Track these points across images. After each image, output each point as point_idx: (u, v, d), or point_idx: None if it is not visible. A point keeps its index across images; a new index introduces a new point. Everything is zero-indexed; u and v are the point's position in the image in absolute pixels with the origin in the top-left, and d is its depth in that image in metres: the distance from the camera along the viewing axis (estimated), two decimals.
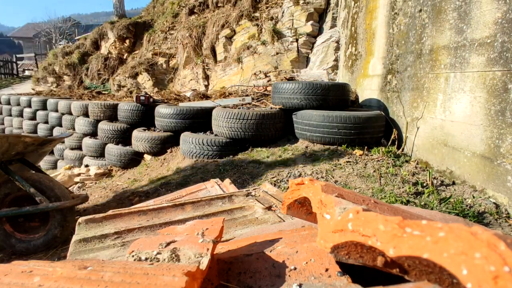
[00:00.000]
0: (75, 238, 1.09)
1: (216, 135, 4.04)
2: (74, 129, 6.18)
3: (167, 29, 9.29)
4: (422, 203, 2.41)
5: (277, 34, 6.35)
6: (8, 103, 8.97)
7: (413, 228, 0.48)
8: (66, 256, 1.10)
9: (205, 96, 5.92)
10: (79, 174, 5.03)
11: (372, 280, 0.64)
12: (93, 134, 5.70)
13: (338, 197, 0.68)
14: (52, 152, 6.64)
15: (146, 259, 0.65)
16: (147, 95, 5.23)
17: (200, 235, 0.73)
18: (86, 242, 1.08)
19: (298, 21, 6.19)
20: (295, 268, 0.66)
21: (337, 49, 5.67)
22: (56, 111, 7.01)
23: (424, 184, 2.71)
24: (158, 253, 0.66)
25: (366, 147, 3.47)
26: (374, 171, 2.94)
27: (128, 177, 4.47)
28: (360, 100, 4.54)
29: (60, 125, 6.88)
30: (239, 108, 4.21)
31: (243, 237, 0.96)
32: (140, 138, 4.61)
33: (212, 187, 1.90)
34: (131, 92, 8.90)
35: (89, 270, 0.56)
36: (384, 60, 3.86)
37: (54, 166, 6.61)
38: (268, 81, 6.23)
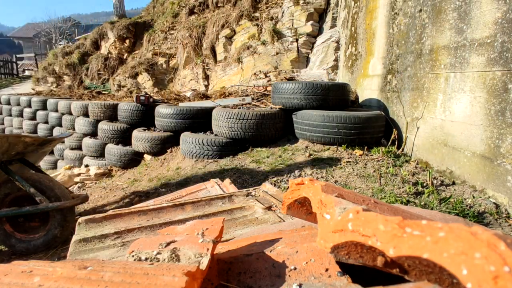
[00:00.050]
0: (75, 238, 1.09)
1: (216, 135, 4.04)
2: (74, 129, 6.18)
3: (167, 29, 9.29)
4: (422, 203, 2.41)
5: (277, 34, 6.35)
6: (8, 103, 8.97)
7: (413, 228, 0.48)
8: (66, 256, 1.10)
9: (205, 96, 5.92)
10: (79, 174, 5.03)
11: (372, 280, 0.64)
12: (93, 134, 5.70)
13: (338, 197, 0.68)
14: (52, 152, 6.64)
15: (146, 259, 0.65)
16: (147, 95, 5.23)
17: (200, 235, 0.73)
18: (86, 242, 1.08)
19: (298, 21, 6.19)
20: (295, 268, 0.66)
21: (337, 49, 5.67)
22: (56, 111, 7.02)
23: (424, 184, 2.71)
24: (158, 253, 0.66)
25: (366, 147, 3.47)
26: (374, 171, 2.94)
27: (128, 177, 4.47)
28: (360, 100, 4.54)
29: (60, 125, 6.88)
30: (239, 108, 4.21)
31: (243, 237, 0.96)
32: (140, 138, 4.61)
33: (212, 187, 1.90)
34: (131, 92, 8.90)
35: (89, 270, 0.56)
36: (384, 60, 3.86)
37: (54, 166, 6.61)
38: (268, 81, 6.23)
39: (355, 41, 4.78)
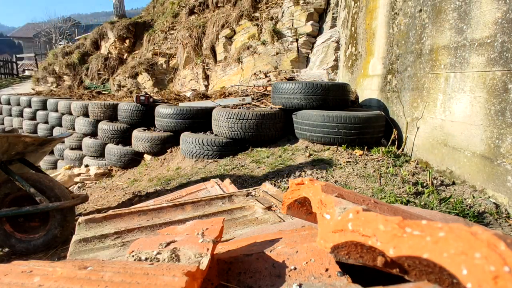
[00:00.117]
0: (75, 238, 1.09)
1: (216, 135, 4.04)
2: (74, 129, 6.18)
3: (167, 29, 9.29)
4: (422, 203, 2.41)
5: (277, 34, 6.35)
6: (8, 103, 8.97)
7: (413, 228, 0.48)
8: (66, 256, 1.10)
9: (205, 96, 5.92)
10: (79, 174, 5.03)
11: (372, 280, 0.64)
12: (93, 134, 5.70)
13: (338, 197, 0.68)
14: (52, 152, 6.64)
15: (146, 259, 0.65)
16: (147, 95, 5.23)
17: (200, 235, 0.73)
18: (86, 242, 1.08)
19: (298, 21, 6.19)
20: (295, 268, 0.66)
21: (337, 49, 5.68)
22: (56, 111, 7.02)
23: (424, 184, 2.71)
24: (158, 253, 0.66)
25: (366, 147, 3.47)
26: (374, 171, 2.94)
27: (128, 177, 4.47)
28: (360, 100, 4.54)
29: (60, 125, 6.88)
30: (239, 108, 4.21)
31: (243, 237, 0.96)
32: (140, 138, 4.61)
33: (212, 187, 1.90)
34: (131, 92, 8.90)
35: (89, 270, 0.56)
36: (384, 60, 3.86)
37: (54, 166, 6.62)
38: (268, 81, 6.23)
39: (355, 41, 4.78)
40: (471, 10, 2.51)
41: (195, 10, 8.78)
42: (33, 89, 12.31)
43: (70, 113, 6.44)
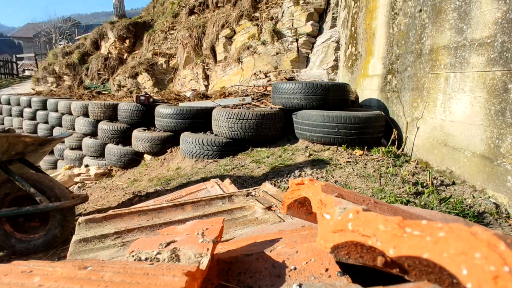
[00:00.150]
0: (75, 238, 1.09)
1: (216, 135, 4.04)
2: (74, 129, 6.18)
3: (167, 29, 9.29)
4: (422, 203, 2.41)
5: (277, 34, 6.35)
6: (8, 103, 8.97)
7: (413, 228, 0.48)
8: (66, 256, 1.10)
9: (205, 96, 5.92)
10: (79, 174, 5.03)
11: (372, 280, 0.64)
12: (93, 134, 5.70)
13: (338, 197, 0.68)
14: (52, 152, 6.64)
15: (146, 259, 0.65)
16: (147, 95, 5.23)
17: (200, 235, 0.73)
18: (86, 242, 1.08)
19: (298, 21, 6.19)
20: (295, 268, 0.66)
21: (337, 49, 5.68)
22: (56, 111, 7.02)
23: (424, 184, 2.71)
24: (158, 253, 0.66)
25: (366, 147, 3.47)
26: (374, 171, 2.94)
27: (128, 177, 4.47)
28: (360, 100, 4.54)
29: (60, 125, 6.88)
30: (239, 108, 4.21)
31: (243, 237, 0.96)
32: (140, 138, 4.61)
33: (212, 187, 1.90)
34: (131, 92, 8.90)
35: (89, 270, 0.56)
36: (384, 60, 3.86)
37: (54, 166, 6.62)
38: (268, 81, 6.23)
39: (355, 41, 4.78)
40: (471, 10, 2.51)
41: (195, 10, 8.78)
42: (33, 89, 12.31)
43: (70, 113, 6.44)
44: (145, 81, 9.11)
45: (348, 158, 3.27)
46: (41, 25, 34.56)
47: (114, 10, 12.40)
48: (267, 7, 6.91)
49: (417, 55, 3.20)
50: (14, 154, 2.57)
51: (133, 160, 4.87)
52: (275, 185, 2.83)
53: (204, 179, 3.07)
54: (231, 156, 3.76)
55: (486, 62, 2.37)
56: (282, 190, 2.13)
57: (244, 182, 2.99)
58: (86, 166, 5.49)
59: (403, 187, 2.64)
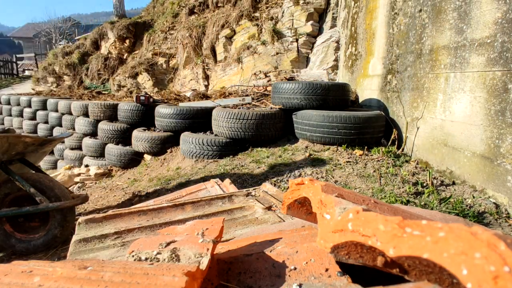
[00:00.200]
0: (75, 238, 1.09)
1: (216, 135, 4.04)
2: (74, 129, 6.18)
3: (167, 29, 9.29)
4: (422, 203, 2.41)
5: (277, 34, 6.35)
6: (8, 103, 8.97)
7: (413, 228, 0.48)
8: (66, 256, 1.10)
9: (205, 96, 5.92)
10: (79, 174, 5.03)
11: (372, 280, 0.64)
12: (93, 134, 5.70)
13: (338, 197, 0.68)
14: (52, 152, 6.64)
15: (146, 259, 0.65)
16: (147, 95, 5.23)
17: (200, 235, 0.73)
18: (86, 242, 1.08)
19: (298, 21, 6.19)
20: (295, 268, 0.66)
21: (337, 49, 5.67)
22: (56, 111, 7.02)
23: (424, 184, 2.71)
24: (158, 253, 0.66)
25: (366, 147, 3.47)
26: (374, 171, 2.94)
27: (128, 177, 4.47)
28: (360, 100, 4.54)
29: (60, 125, 6.88)
30: (239, 108, 4.21)
31: (243, 237, 0.96)
32: (140, 138, 4.61)
33: (212, 187, 1.90)
34: (131, 92, 8.90)
35: (89, 270, 0.56)
36: (384, 60, 3.86)
37: (54, 166, 6.62)
38: (268, 81, 6.23)
39: (355, 41, 4.78)
40: (471, 10, 2.51)
41: (195, 10, 8.78)
42: (33, 89, 12.31)
43: (70, 113, 6.44)
44: (145, 81, 9.11)
45: (348, 158, 3.27)
46: (41, 25, 34.56)
47: (114, 10, 12.40)
48: (267, 7, 6.91)
49: (417, 55, 3.21)
50: (14, 154, 2.57)
51: (133, 160, 4.87)
52: (275, 185, 2.83)
53: (204, 179, 3.07)
54: (231, 156, 3.76)
55: (486, 62, 2.37)
56: (282, 190, 2.13)
57: (244, 182, 2.99)
58: (86, 166, 5.49)
59: (403, 187, 2.64)
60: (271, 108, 4.19)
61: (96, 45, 11.44)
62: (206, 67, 7.96)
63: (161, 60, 9.00)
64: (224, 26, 7.44)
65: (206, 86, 7.89)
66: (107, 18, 18.62)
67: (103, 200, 3.68)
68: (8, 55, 27.20)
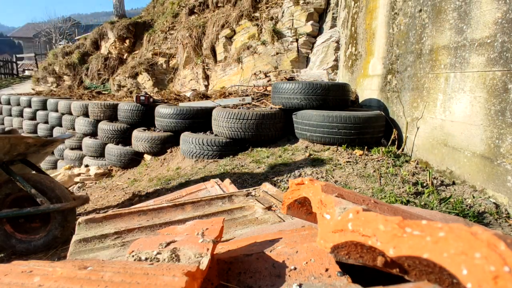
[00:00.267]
0: (75, 238, 1.09)
1: (216, 135, 4.04)
2: (74, 129, 6.18)
3: (167, 29, 9.29)
4: (422, 203, 2.41)
5: (277, 34, 6.35)
6: (8, 103, 8.98)
7: (413, 228, 0.48)
8: (66, 256, 1.10)
9: (205, 96, 5.92)
10: (79, 174, 5.03)
11: (372, 280, 0.64)
12: (93, 134, 5.70)
13: (338, 197, 0.68)
14: (52, 152, 6.64)
15: (146, 259, 0.65)
16: (147, 95, 5.23)
17: (200, 235, 0.73)
18: (86, 242, 1.08)
19: (298, 21, 6.19)
20: (295, 268, 0.66)
21: (337, 49, 5.67)
22: (56, 111, 7.02)
23: (424, 184, 2.71)
24: (158, 253, 0.66)
25: (366, 147, 3.47)
26: (374, 171, 2.94)
27: (128, 177, 4.47)
28: (360, 100, 4.54)
29: (60, 125, 6.88)
30: (239, 108, 4.21)
31: (243, 237, 0.96)
32: (140, 138, 4.61)
33: (212, 187, 1.90)
34: (131, 92, 8.90)
35: (89, 270, 0.56)
36: (384, 60, 3.86)
37: (54, 166, 6.62)
38: (268, 81, 6.23)
39: (355, 41, 4.78)
40: (471, 10, 2.51)
41: (195, 10, 8.78)
42: (33, 89, 12.32)
43: (70, 113, 6.44)
44: (145, 81, 9.11)
45: (348, 158, 3.27)
46: (41, 25, 34.56)
47: (114, 10, 12.40)
48: (267, 7, 6.91)
49: (417, 55, 3.20)
50: (16, 155, 2.57)
51: (133, 160, 4.87)
52: (275, 185, 2.83)
53: (204, 179, 3.08)
54: (231, 156, 3.76)
55: (486, 62, 2.37)
56: (282, 190, 2.13)
57: (244, 182, 2.99)
58: (86, 166, 5.49)
59: (403, 187, 2.64)
60: (271, 108, 4.19)
61: (96, 45, 11.44)
62: (206, 67, 7.96)
63: (161, 60, 9.00)
64: (224, 26, 7.45)
65: (206, 86, 7.89)
66: (107, 18, 18.63)
67: (103, 200, 3.68)
68: (8, 55, 27.21)
